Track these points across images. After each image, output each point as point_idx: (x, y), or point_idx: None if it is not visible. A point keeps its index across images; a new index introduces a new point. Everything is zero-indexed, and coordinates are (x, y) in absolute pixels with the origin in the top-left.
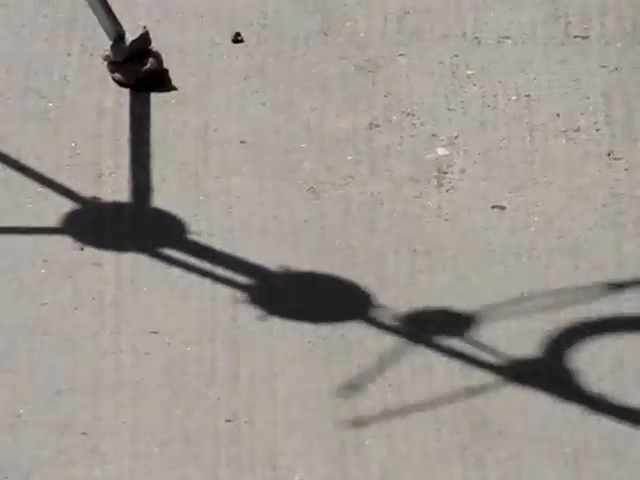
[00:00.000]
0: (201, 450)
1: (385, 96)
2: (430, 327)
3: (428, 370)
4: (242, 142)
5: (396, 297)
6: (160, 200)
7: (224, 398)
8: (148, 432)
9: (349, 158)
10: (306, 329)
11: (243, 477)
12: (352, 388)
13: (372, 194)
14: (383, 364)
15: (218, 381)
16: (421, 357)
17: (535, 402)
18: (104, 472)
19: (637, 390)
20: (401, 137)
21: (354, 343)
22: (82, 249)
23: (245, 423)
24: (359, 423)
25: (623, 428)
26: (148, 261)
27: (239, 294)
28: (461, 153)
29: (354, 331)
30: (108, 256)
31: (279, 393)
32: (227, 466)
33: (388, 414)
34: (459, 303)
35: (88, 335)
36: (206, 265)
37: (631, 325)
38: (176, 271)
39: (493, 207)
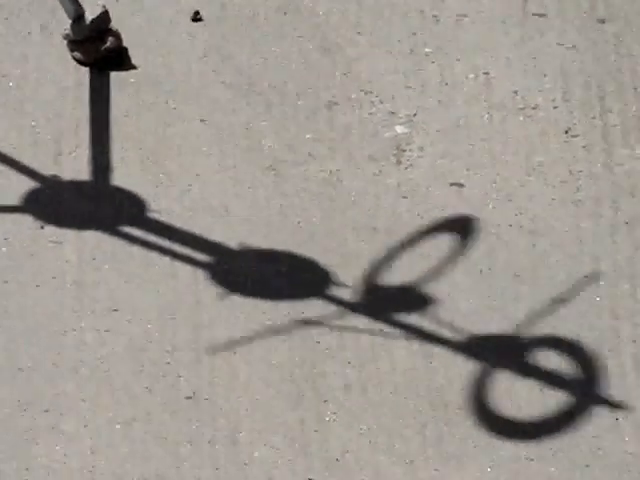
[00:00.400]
0: (162, 427)
1: (344, 75)
2: (390, 305)
3: (388, 348)
4: (202, 121)
5: (356, 275)
6: (120, 179)
7: (185, 376)
8: (109, 410)
9: (308, 137)
10: (266, 307)
11: (204, 454)
12: (313, 365)
13: (331, 172)
14: (344, 342)
15: (179, 359)
16: (381, 335)
17: (494, 379)
18: (66, 449)
19: (597, 363)
20: (360, 115)
21: (314, 321)
22: (42, 227)
23: (205, 400)
24: (320, 400)
25: (581, 403)
26: (109, 239)
27: (200, 272)
28: (420, 131)
29: (314, 309)
30: (69, 234)
31: (240, 371)
32: (188, 443)
33: (349, 391)
34: (419, 281)
35: (49, 313)
36: (166, 243)
37: (588, 301)
38: (137, 249)
39: (452, 185)
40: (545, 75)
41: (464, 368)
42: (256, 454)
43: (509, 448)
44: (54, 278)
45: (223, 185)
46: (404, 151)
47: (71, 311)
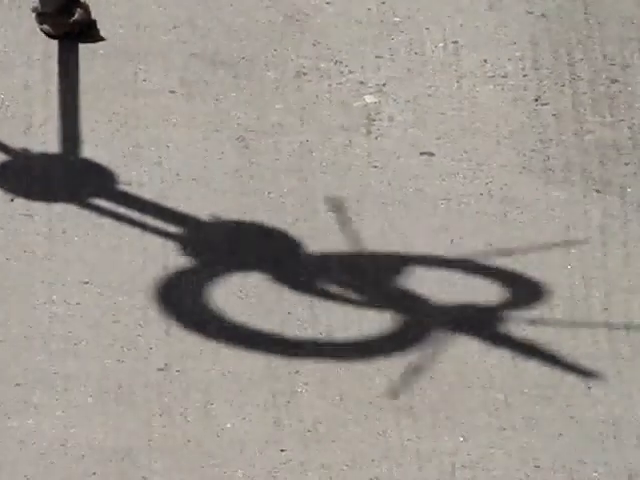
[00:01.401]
0: (134, 399)
1: (313, 44)
2: (361, 275)
3: (359, 318)
4: (171, 92)
5: (327, 245)
6: (90, 151)
7: (156, 348)
8: (81, 383)
9: (278, 107)
10: (236, 277)
11: (176, 425)
12: (284, 336)
13: (301, 143)
14: (315, 312)
15: (149, 331)
16: (353, 305)
17: (466, 349)
18: (37, 423)
19: (568, 336)
20: (329, 85)
21: (285, 291)
22: (12, 200)
23: (177, 372)
24: (292, 371)
25: (553, 373)
26: (79, 211)
27: (170, 244)
28: (389, 101)
29: (285, 279)
30: (38, 207)
31: (211, 342)
32: (160, 415)
33: (320, 362)
34: (390, 250)
35: (19, 286)
36: (136, 215)
37: (558, 270)
38: (107, 221)
39: (422, 154)
40: (514, 43)
41: (436, 338)
42: (228, 425)
43: (482, 418)
44: (24, 251)
45: (193, 156)
46: (374, 121)
47: (41, 283)
